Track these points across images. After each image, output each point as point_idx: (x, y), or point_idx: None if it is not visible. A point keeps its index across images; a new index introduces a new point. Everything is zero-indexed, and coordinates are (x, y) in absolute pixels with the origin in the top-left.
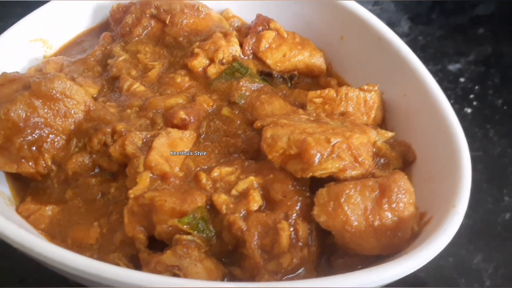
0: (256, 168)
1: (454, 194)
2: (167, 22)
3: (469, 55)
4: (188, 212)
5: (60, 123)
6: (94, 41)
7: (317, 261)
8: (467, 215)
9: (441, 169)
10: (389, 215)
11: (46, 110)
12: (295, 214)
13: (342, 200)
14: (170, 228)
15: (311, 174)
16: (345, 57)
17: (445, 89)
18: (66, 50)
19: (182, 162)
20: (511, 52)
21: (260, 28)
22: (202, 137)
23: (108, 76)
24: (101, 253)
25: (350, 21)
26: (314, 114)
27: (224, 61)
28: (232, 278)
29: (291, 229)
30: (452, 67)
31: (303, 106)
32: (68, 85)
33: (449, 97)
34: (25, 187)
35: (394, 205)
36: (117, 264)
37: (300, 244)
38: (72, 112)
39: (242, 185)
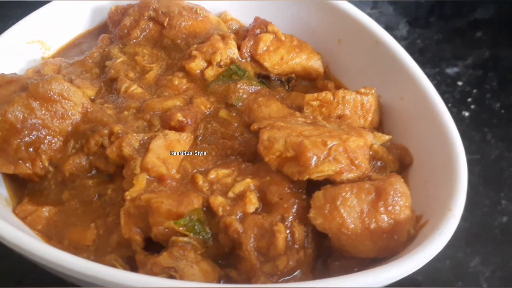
0: (253, 170)
1: (450, 197)
2: (165, 24)
3: (467, 59)
4: (184, 214)
5: (57, 124)
6: (93, 43)
7: (313, 264)
8: (464, 218)
9: (437, 173)
10: (385, 218)
11: (43, 112)
12: (291, 217)
13: (338, 202)
14: (167, 230)
15: (307, 176)
16: (343, 60)
17: (443, 93)
18: (64, 51)
19: (179, 164)
20: (509, 56)
21: (258, 31)
22: (199, 139)
23: (106, 78)
24: (97, 255)
25: (348, 25)
26: (311, 117)
27: (222, 63)
28: (229, 280)
29: (288, 231)
30: (450, 70)
31: (300, 109)
32: (66, 87)
33: (447, 101)
34: (22, 188)
35: (390, 208)
36: (114, 266)
37: (296, 246)
38: (70, 113)
39: (238, 187)
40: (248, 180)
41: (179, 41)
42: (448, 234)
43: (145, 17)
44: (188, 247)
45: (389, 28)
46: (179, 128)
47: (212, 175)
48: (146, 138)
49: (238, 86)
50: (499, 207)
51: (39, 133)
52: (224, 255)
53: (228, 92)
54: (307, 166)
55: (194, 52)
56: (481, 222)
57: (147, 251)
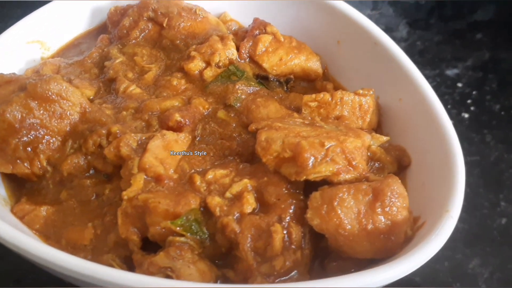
0: (250, 171)
1: (448, 198)
2: (164, 25)
3: (467, 61)
4: (181, 214)
5: (55, 124)
6: (92, 44)
7: (311, 264)
8: (464, 220)
9: (435, 174)
10: (382, 219)
11: (41, 112)
12: (288, 217)
13: (336, 203)
14: (164, 230)
15: (305, 177)
16: (342, 62)
17: (442, 94)
18: (63, 52)
19: (177, 164)
20: (509, 57)
21: (257, 31)
22: (197, 139)
23: (105, 78)
24: (95, 254)
25: (347, 26)
26: (309, 118)
27: (220, 64)
28: (226, 280)
29: (285, 232)
30: (450, 72)
31: (298, 110)
32: (64, 87)
33: (446, 102)
34: (21, 187)
35: (387, 209)
36: (111, 265)
37: (293, 247)
38: (68, 113)
39: (236, 188)
40: (245, 180)
41: (178, 41)
42: (445, 235)
43: (144, 18)
44: (185, 247)
45: (389, 30)
46: (177, 128)
47: (210, 176)
48: (144, 138)
49: (237, 86)
50: (498, 209)
51: (37, 133)
52: (221, 255)
53: (227, 92)
54: (304, 166)
55: (193, 53)
56: (480, 224)
57: (144, 251)
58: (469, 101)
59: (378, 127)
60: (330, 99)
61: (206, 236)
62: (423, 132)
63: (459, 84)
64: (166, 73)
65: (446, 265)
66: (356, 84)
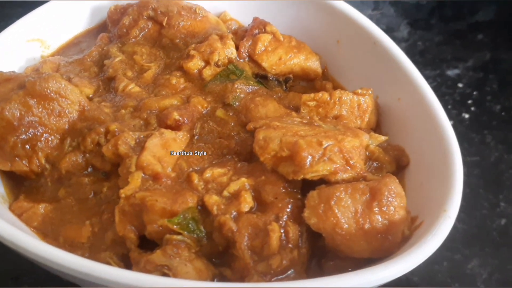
0: (248, 169)
1: (446, 198)
2: (164, 24)
3: (467, 61)
4: (178, 212)
5: (54, 122)
6: (92, 42)
7: (308, 264)
8: (463, 220)
9: (433, 174)
10: (380, 218)
11: (40, 110)
12: (286, 216)
13: (333, 202)
14: (161, 228)
15: (302, 176)
16: (341, 61)
17: (443, 94)
18: (63, 50)
19: (175, 163)
20: (510, 58)
21: (257, 31)
22: (195, 138)
23: (104, 76)
24: (92, 252)
25: (347, 26)
26: (308, 117)
27: (219, 63)
28: (222, 278)
29: (282, 230)
30: (451, 72)
31: (297, 109)
32: (63, 85)
33: (447, 102)
34: (19, 185)
35: (384, 209)
36: (108, 263)
37: (290, 245)
38: (67, 111)
39: (233, 187)
40: (243, 179)
41: (177, 40)
42: (442, 235)
43: (144, 17)
44: (182, 245)
45: (390, 30)
46: (176, 127)
47: (208, 174)
48: (142, 136)
49: (236, 85)
50: (497, 209)
51: (36, 130)
52: (219, 253)
53: (226, 91)
54: (302, 165)
55: (192, 52)
56: (479, 224)
57: (142, 249)
58: (469, 101)
59: (377, 127)
60: (328, 98)
61: (203, 234)
62: (422, 132)
63: (460, 85)
64: (165, 72)
65: (445, 265)
66: (355, 84)
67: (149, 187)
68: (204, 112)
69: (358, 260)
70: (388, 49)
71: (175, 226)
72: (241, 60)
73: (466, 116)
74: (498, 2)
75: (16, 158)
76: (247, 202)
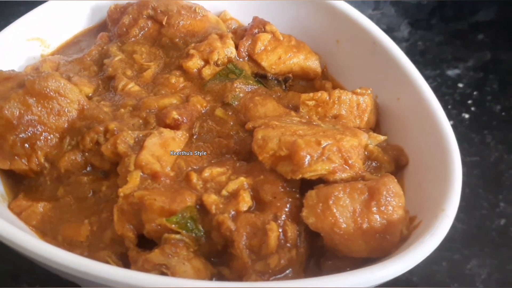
0: (247, 169)
1: (444, 198)
2: (163, 23)
3: (468, 61)
4: (177, 211)
5: (53, 121)
6: (92, 41)
7: (306, 263)
8: (462, 220)
9: (432, 173)
10: (378, 218)
11: (39, 108)
12: (284, 215)
13: (331, 202)
14: (159, 227)
15: (300, 175)
16: (341, 61)
17: (443, 94)
18: (63, 49)
19: (174, 162)
20: (510, 58)
21: (256, 30)
22: (194, 137)
23: (104, 75)
24: (91, 251)
25: (346, 25)
26: (307, 117)
27: (219, 62)
28: (221, 278)
29: (280, 230)
30: (451, 72)
31: (296, 109)
32: (62, 84)
33: (447, 102)
34: (18, 184)
35: (383, 208)
36: (107, 262)
37: (288, 245)
38: (66, 110)
39: (232, 186)
40: (242, 178)
41: (177, 39)
42: (440, 235)
43: (144, 16)
44: (180, 245)
45: (390, 30)
46: (175, 126)
47: (206, 173)
48: (141, 135)
49: (235, 85)
50: (497, 210)
51: (35, 129)
52: (217, 253)
53: (225, 91)
54: (300, 165)
55: (192, 51)
56: (479, 224)
57: (140, 248)
58: (469, 101)
59: (376, 127)
60: (327, 98)
61: (202, 233)
62: (421, 132)
63: (460, 85)
64: (165, 71)
65: (444, 266)
66: (355, 83)
67: (148, 186)
68: (203, 111)
69: (356, 260)
70: (387, 49)
71: (173, 225)
72: (241, 59)
73: (466, 116)
74: (499, 2)
75: (16, 157)
76: (245, 201)
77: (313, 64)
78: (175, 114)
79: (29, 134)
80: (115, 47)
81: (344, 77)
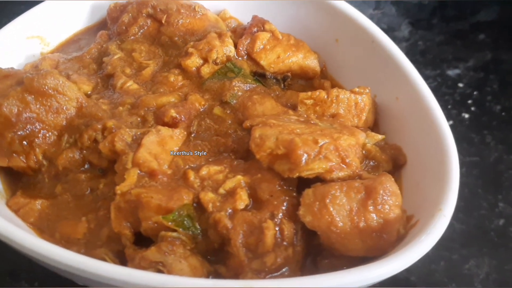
0: (244, 167)
1: (441, 197)
2: (163, 21)
3: (468, 61)
4: (174, 209)
5: (52, 118)
6: (91, 40)
7: (303, 262)
8: (461, 220)
9: (429, 173)
10: (374, 216)
11: (38, 106)
12: (281, 214)
13: (328, 200)
14: (156, 225)
15: (297, 174)
16: (340, 60)
17: (443, 94)
18: (63, 47)
19: (171, 160)
20: (511, 58)
21: (255, 29)
22: (192, 135)
23: (103, 73)
24: (88, 248)
25: (345, 24)
26: (305, 115)
27: (218, 61)
28: (217, 276)
29: (277, 228)
30: (451, 72)
31: (295, 107)
32: (61, 82)
33: (447, 102)
34: (17, 181)
35: (379, 207)
36: (104, 259)
37: (285, 243)
38: (64, 108)
39: (229, 184)
40: (239, 177)
41: (176, 38)
42: (437, 234)
43: (144, 14)
44: (177, 242)
45: (391, 29)
46: (172, 124)
47: (204, 172)
48: (139, 133)
49: (233, 83)
50: (496, 210)
51: (34, 127)
52: (214, 251)
53: (223, 89)
54: (297, 163)
55: (191, 50)
56: (477, 224)
57: (138, 245)
58: (469, 101)
59: (375, 126)
60: (326, 96)
61: (199, 231)
62: (419, 131)
63: (460, 85)
64: (163, 70)
65: (442, 265)
66: (354, 83)
67: (145, 184)
68: (201, 109)
69: (353, 259)
70: (386, 48)
71: (170, 223)
72: (240, 58)
73: (466, 116)
74: (500, 2)
75: (14, 154)
76: (242, 199)
77: (312, 63)
78: (173, 112)
79: (28, 131)
80: (114, 45)
81: (343, 76)
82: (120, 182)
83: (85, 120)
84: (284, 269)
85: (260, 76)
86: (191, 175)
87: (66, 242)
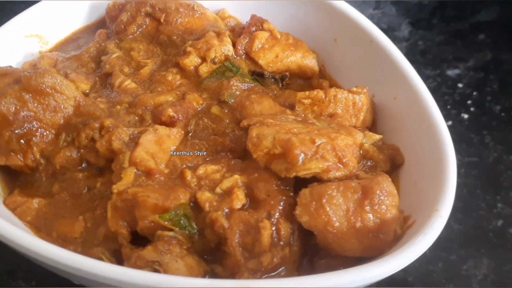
0: (241, 167)
1: (438, 198)
2: (162, 20)
3: (468, 61)
4: (170, 208)
5: (49, 117)
6: (90, 38)
7: (299, 262)
8: (460, 221)
9: (427, 173)
10: (371, 217)
11: (35, 104)
12: (277, 214)
13: (324, 200)
14: (152, 224)
15: (294, 174)
16: (338, 59)
17: (443, 94)
18: (61, 46)
19: (168, 159)
20: (511, 59)
21: (254, 28)
22: (190, 135)
23: (101, 72)
24: (85, 247)
25: (344, 24)
26: (302, 115)
27: (216, 60)
28: (214, 275)
29: (273, 228)
30: (451, 72)
31: (293, 107)
32: (58, 80)
33: (446, 102)
34: (14, 180)
35: (376, 207)
36: (100, 258)
37: (281, 243)
38: (62, 107)
39: (226, 183)
40: (236, 176)
41: (175, 37)
42: (433, 234)
43: (142, 13)
44: (173, 242)
45: (391, 29)
46: (170, 123)
47: (201, 171)
48: (136, 132)
49: (231, 83)
50: (495, 211)
51: (31, 125)
52: (210, 250)
53: (221, 88)
54: (294, 163)
55: (189, 49)
56: (476, 225)
57: (135, 244)
58: (469, 101)
59: (373, 126)
60: (323, 96)
61: (195, 231)
62: (417, 131)
63: (460, 85)
64: (162, 69)
65: (440, 266)
66: (352, 82)
67: (142, 183)
68: (199, 109)
69: (349, 259)
70: (385, 48)
71: (166, 222)
72: (238, 57)
73: (466, 116)
74: (500, 2)
75: (11, 153)
76: (239, 199)
77: (311, 62)
78: (170, 112)
79: (25, 130)
80: (112, 44)
81: (342, 76)
82: (117, 181)
83: (82, 119)
84: (280, 269)
85: (258, 75)
86: (188, 175)
87: (63, 241)
